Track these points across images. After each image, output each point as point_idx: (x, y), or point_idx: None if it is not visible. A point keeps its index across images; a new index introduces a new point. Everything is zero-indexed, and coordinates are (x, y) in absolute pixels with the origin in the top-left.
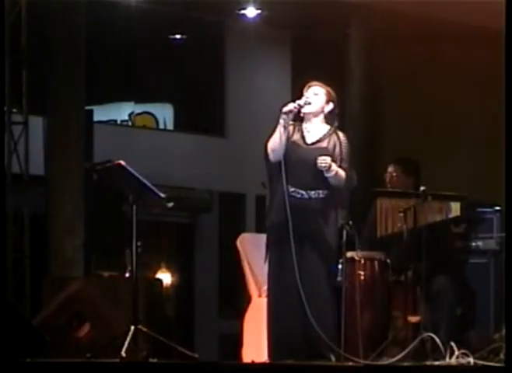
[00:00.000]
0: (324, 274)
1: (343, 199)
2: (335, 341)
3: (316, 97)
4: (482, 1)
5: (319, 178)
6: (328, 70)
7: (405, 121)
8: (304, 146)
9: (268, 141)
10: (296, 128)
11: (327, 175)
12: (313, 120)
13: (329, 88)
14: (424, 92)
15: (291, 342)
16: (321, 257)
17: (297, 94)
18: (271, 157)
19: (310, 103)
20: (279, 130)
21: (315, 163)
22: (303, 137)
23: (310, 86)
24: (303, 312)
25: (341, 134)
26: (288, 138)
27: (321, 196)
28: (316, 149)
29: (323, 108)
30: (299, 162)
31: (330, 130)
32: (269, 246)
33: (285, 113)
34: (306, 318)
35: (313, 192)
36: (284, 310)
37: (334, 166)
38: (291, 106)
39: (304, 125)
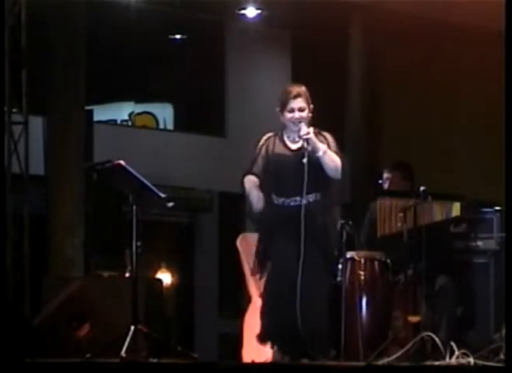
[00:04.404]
0: (323, 274)
1: (340, 196)
2: (332, 341)
3: (303, 113)
4: (482, 1)
5: (311, 181)
6: (328, 70)
7: (405, 121)
8: (288, 153)
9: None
10: (277, 139)
11: (318, 155)
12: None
13: (303, 89)
14: (424, 92)
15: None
16: (321, 258)
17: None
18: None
19: (301, 122)
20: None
21: (304, 167)
22: (285, 146)
23: (291, 100)
24: (302, 312)
25: (326, 133)
26: (271, 152)
27: (318, 198)
28: (302, 152)
29: (309, 117)
30: (287, 170)
31: (314, 130)
32: (266, 255)
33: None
34: (302, 318)
35: (310, 195)
36: (281, 309)
37: (315, 138)
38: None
39: (286, 134)
